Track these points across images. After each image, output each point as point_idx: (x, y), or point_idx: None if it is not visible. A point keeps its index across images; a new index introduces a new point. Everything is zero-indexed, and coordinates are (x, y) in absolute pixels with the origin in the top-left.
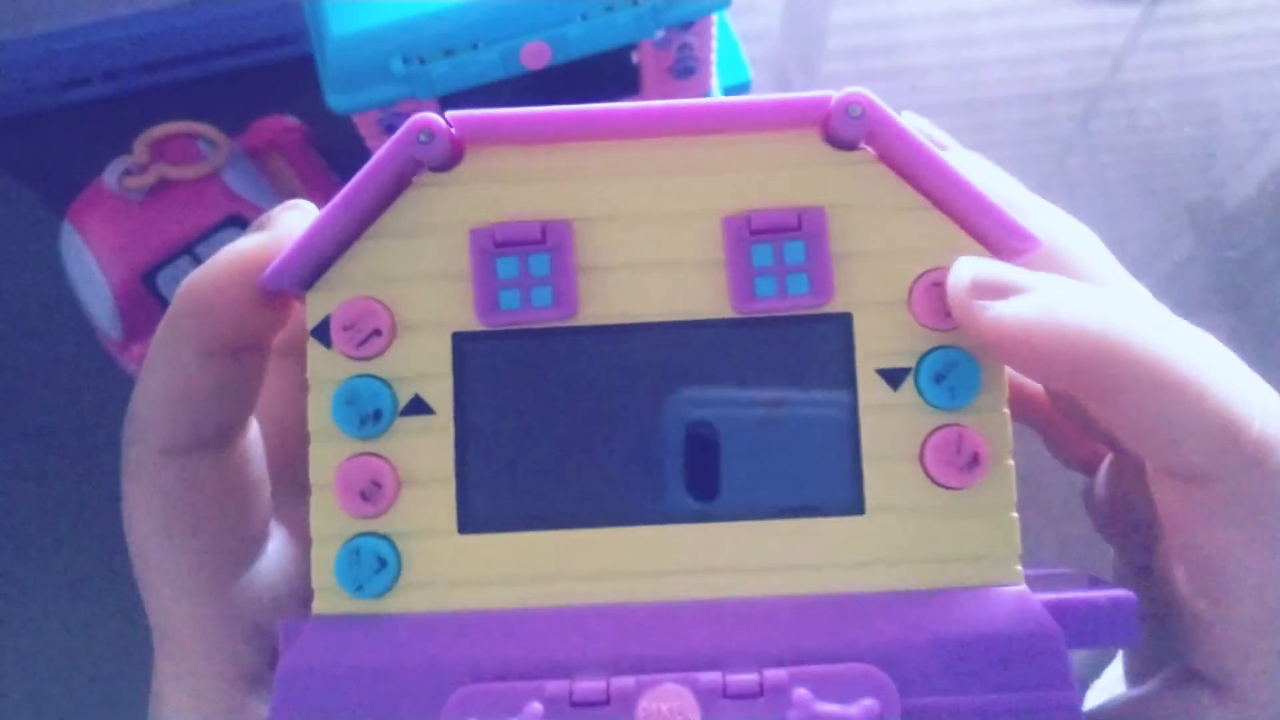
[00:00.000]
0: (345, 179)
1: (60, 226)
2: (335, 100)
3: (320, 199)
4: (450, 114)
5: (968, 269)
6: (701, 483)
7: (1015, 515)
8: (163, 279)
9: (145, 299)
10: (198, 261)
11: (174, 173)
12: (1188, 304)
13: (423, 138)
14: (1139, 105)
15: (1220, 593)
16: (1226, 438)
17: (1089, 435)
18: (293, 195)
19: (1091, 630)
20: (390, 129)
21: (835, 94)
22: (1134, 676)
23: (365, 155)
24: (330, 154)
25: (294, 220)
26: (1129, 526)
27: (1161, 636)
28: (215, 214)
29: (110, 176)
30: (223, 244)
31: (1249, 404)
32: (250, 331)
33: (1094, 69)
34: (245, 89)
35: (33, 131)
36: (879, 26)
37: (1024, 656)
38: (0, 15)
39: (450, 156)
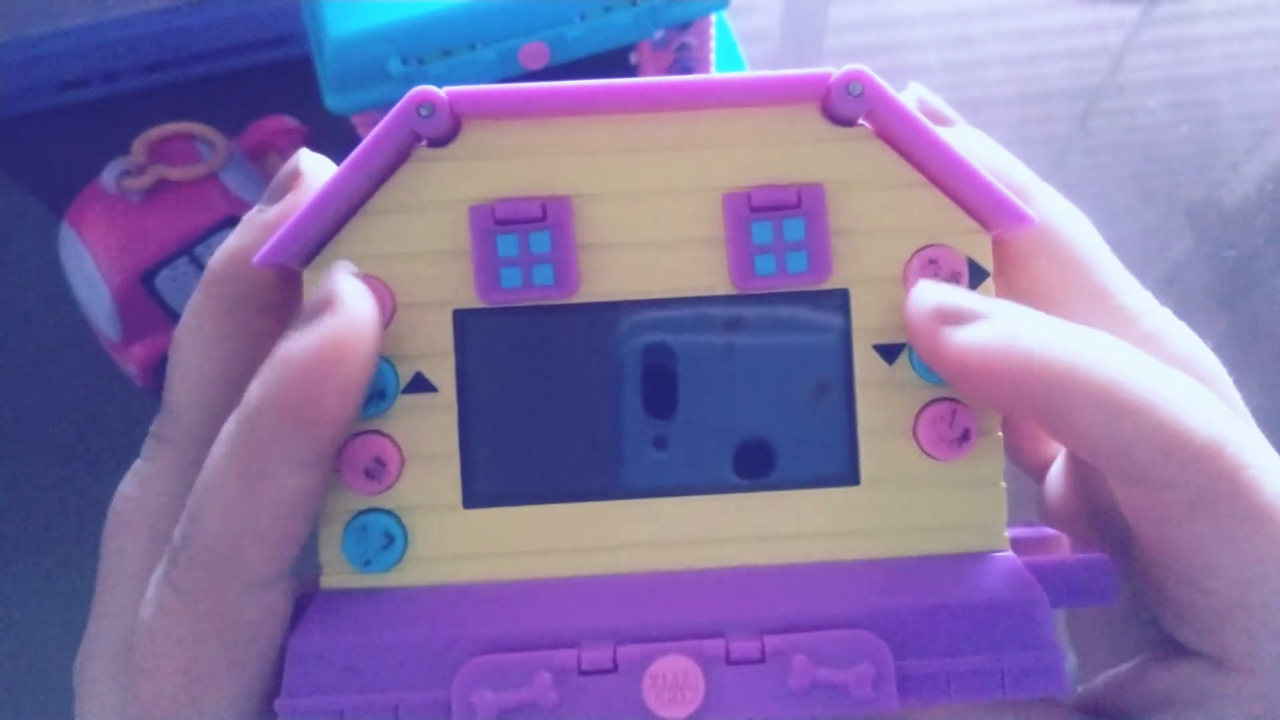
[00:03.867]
0: None
1: (59, 227)
2: (334, 101)
3: None
4: (448, 89)
5: (931, 294)
6: (702, 454)
7: (1003, 485)
8: (161, 280)
9: (144, 300)
10: (196, 263)
11: (172, 173)
12: (1187, 304)
13: (423, 110)
14: (1138, 105)
15: (1202, 582)
16: (1176, 445)
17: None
18: None
19: (1072, 591)
20: None
21: (835, 71)
22: (1112, 659)
23: None
24: (329, 155)
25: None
26: (1093, 516)
27: (1138, 618)
28: (214, 215)
29: (109, 177)
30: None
31: (1196, 411)
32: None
33: (1093, 69)
34: (244, 90)
35: (32, 132)
36: (878, 26)
37: (1011, 619)
38: (0, 15)
39: (448, 131)
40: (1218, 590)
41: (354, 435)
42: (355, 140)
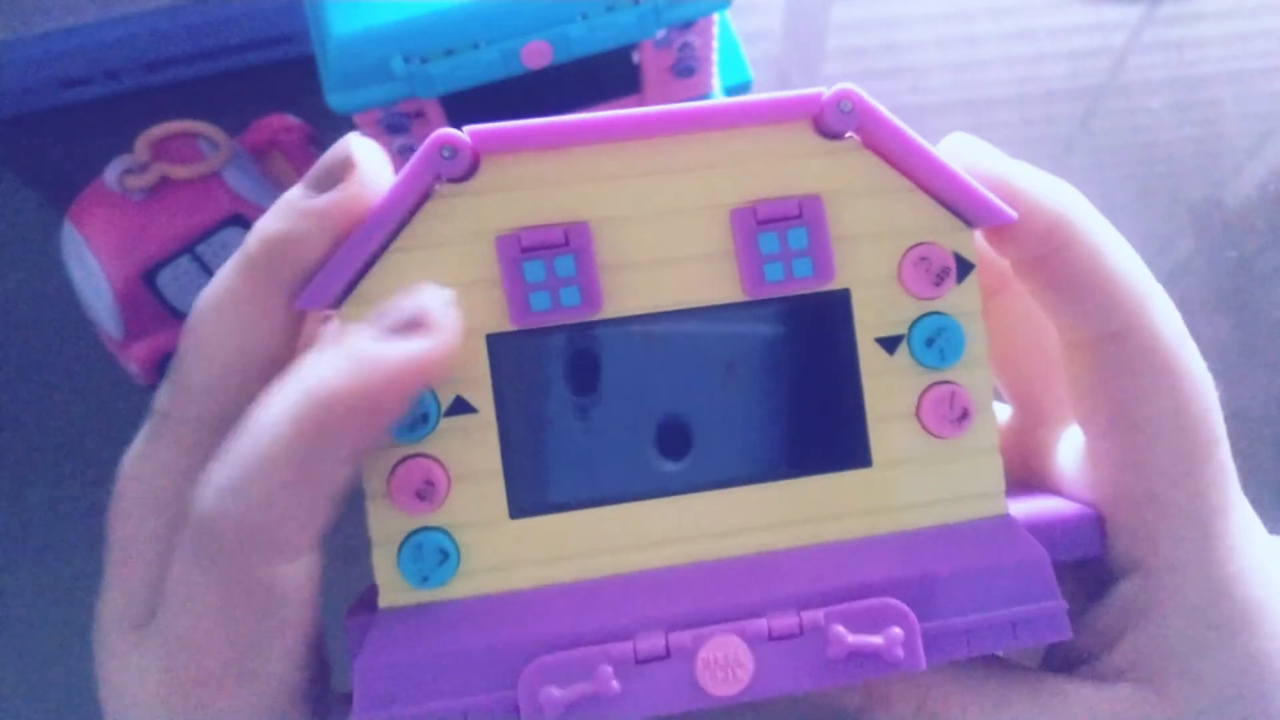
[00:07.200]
0: None
1: (61, 226)
2: (336, 100)
3: None
4: (468, 128)
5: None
6: (728, 450)
7: (999, 456)
8: (163, 278)
9: (146, 298)
10: (198, 261)
11: (175, 172)
12: (1188, 304)
13: (445, 153)
14: (1140, 105)
15: (1136, 437)
16: (1142, 299)
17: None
18: None
19: (1064, 545)
20: (391, 128)
21: (826, 91)
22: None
23: None
24: None
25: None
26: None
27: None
28: (216, 213)
29: (111, 176)
30: (224, 243)
31: (1156, 289)
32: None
33: (1094, 69)
34: (246, 88)
35: (33, 131)
36: (879, 26)
37: (1017, 578)
38: (0, 15)
39: (468, 167)
40: (1150, 445)
41: (402, 460)
42: None
